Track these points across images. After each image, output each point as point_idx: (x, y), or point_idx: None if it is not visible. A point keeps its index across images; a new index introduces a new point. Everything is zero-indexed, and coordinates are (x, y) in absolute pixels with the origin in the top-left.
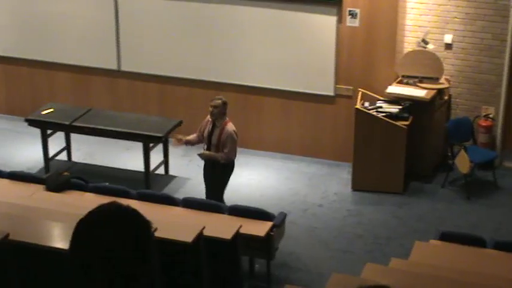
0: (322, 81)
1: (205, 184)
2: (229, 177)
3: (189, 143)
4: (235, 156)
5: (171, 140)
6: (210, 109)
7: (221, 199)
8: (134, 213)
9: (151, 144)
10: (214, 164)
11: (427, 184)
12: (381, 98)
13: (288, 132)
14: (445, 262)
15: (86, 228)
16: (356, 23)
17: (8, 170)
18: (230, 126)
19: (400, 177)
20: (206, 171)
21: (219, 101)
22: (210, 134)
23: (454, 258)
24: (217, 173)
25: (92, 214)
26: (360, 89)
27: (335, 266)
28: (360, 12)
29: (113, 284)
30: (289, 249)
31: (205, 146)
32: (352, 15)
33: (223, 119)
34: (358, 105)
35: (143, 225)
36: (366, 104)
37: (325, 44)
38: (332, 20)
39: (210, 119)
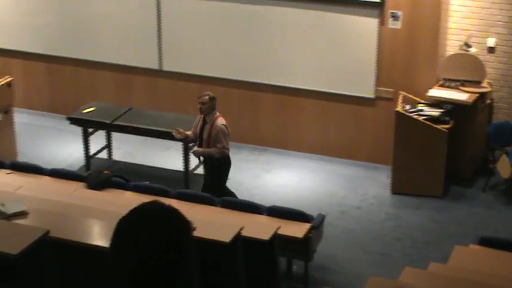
0: (362, 84)
1: (204, 180)
2: (227, 173)
3: (188, 138)
4: (229, 149)
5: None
6: (198, 106)
7: (223, 195)
8: (175, 212)
9: (190, 144)
10: (211, 162)
11: (467, 188)
12: (422, 101)
13: (327, 134)
14: (484, 267)
15: (127, 226)
16: (398, 25)
17: (49, 167)
18: (220, 121)
19: (440, 181)
20: (205, 169)
21: (206, 97)
22: (201, 129)
23: (494, 263)
24: (215, 171)
25: (133, 212)
26: (400, 92)
27: (373, 269)
28: (402, 15)
29: (152, 283)
30: (327, 251)
31: (198, 142)
32: (394, 17)
33: (213, 114)
34: (399, 108)
35: (184, 225)
36: (407, 107)
37: (367, 46)
38: (374, 22)
39: (201, 116)
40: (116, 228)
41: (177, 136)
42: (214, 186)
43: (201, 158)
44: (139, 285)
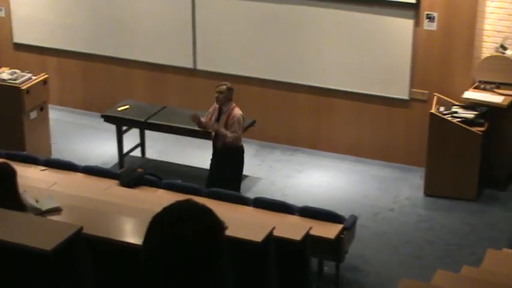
0: (397, 85)
1: (211, 175)
2: (242, 167)
3: (201, 124)
4: (241, 141)
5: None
6: (216, 95)
7: (238, 191)
8: (209, 211)
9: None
10: (224, 155)
11: (501, 192)
12: (457, 103)
13: (360, 135)
14: None
15: (162, 223)
16: (433, 26)
17: (83, 164)
18: (237, 111)
19: (473, 184)
20: (215, 162)
21: (224, 87)
22: (217, 119)
23: None
24: (229, 164)
25: (168, 210)
26: (435, 94)
27: (404, 271)
28: (438, 16)
29: (183, 281)
30: (359, 252)
31: (213, 133)
32: (430, 18)
33: (230, 104)
34: (433, 110)
35: (217, 224)
36: (441, 108)
37: (401, 47)
38: (409, 23)
39: (216, 106)
40: (150, 225)
41: (193, 121)
42: (231, 183)
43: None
44: (171, 283)
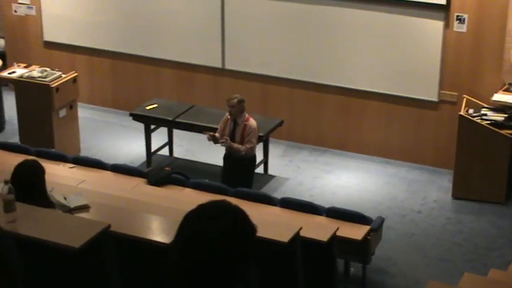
0: (426, 87)
1: (223, 181)
2: (254, 172)
3: (215, 139)
4: (255, 151)
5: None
6: (229, 109)
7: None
8: (243, 213)
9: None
10: (236, 161)
11: None
12: (486, 106)
13: (388, 136)
14: None
15: (196, 220)
16: (463, 28)
17: (111, 162)
18: (252, 122)
19: (502, 187)
20: (227, 169)
21: (235, 101)
22: (233, 131)
23: None
24: (241, 170)
25: (202, 207)
26: (464, 96)
27: (432, 274)
28: (468, 18)
29: (211, 279)
30: (386, 254)
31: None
32: (460, 20)
33: (243, 115)
34: (462, 112)
35: (249, 226)
36: (470, 111)
37: (431, 49)
38: (439, 24)
39: (228, 118)
40: (183, 221)
41: (209, 140)
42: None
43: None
44: (199, 281)
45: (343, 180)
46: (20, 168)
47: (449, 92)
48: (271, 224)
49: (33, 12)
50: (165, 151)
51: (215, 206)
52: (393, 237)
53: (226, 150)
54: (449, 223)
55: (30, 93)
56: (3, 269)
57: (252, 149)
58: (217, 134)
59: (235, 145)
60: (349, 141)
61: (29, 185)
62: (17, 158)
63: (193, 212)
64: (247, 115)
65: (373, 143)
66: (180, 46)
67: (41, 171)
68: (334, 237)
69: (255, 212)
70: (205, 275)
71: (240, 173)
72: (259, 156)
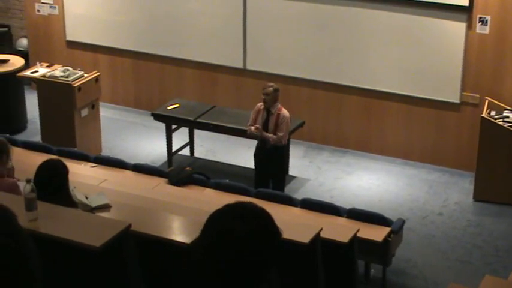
0: (448, 88)
1: (258, 173)
2: (286, 159)
3: (253, 133)
4: (286, 140)
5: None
6: (263, 97)
7: (283, 184)
8: (268, 215)
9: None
10: (268, 152)
11: None
12: (508, 108)
13: (410, 138)
14: None
15: (219, 219)
16: (486, 30)
17: (132, 162)
18: (286, 112)
19: None
20: (261, 160)
21: (271, 89)
22: (266, 121)
23: None
24: (277, 161)
25: (228, 206)
26: (486, 98)
27: (452, 276)
28: (491, 19)
29: (235, 281)
30: (406, 256)
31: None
32: (483, 22)
33: (277, 105)
34: (484, 114)
35: (274, 228)
36: (492, 113)
37: (453, 51)
38: (461, 26)
39: (261, 108)
40: (208, 220)
41: (256, 133)
42: (280, 179)
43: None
44: (222, 281)
45: (364, 182)
46: (42, 167)
47: (472, 94)
48: (292, 224)
49: (56, 11)
50: (186, 151)
51: (242, 207)
52: (414, 239)
53: (257, 145)
54: (470, 225)
55: (52, 93)
56: (23, 269)
57: (283, 138)
58: (253, 128)
59: (267, 134)
60: (370, 142)
61: (52, 184)
62: (39, 157)
63: (220, 211)
64: (280, 105)
65: (394, 144)
66: (202, 46)
67: (64, 170)
68: (355, 239)
69: (275, 212)
70: (229, 275)
71: (274, 164)
72: None
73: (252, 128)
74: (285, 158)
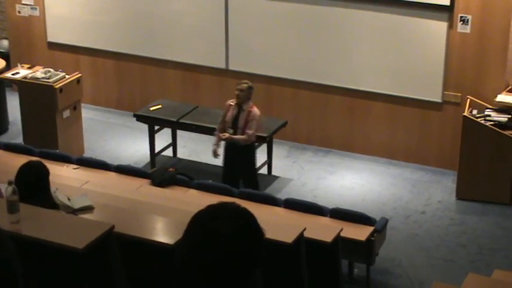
0: (430, 88)
1: (226, 170)
2: (256, 157)
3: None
4: (255, 138)
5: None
6: (236, 92)
7: (256, 182)
8: (251, 216)
9: (255, 144)
10: (238, 150)
11: None
12: (490, 107)
13: (393, 137)
14: None
15: (203, 219)
16: (467, 29)
17: (115, 163)
18: (257, 110)
19: (507, 188)
20: (230, 158)
21: (245, 85)
22: (236, 117)
23: None
24: (244, 158)
25: (211, 207)
26: (468, 97)
27: (436, 275)
28: (472, 19)
29: (220, 281)
30: (390, 255)
31: (231, 131)
32: (464, 21)
33: (249, 103)
34: (466, 113)
35: (258, 229)
36: (474, 111)
37: (435, 50)
38: (443, 25)
39: (232, 104)
40: (192, 221)
41: (226, 141)
42: (249, 176)
43: (217, 150)
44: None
45: (347, 181)
46: (24, 169)
47: (453, 93)
48: (276, 224)
49: (37, 13)
50: (169, 152)
51: (225, 207)
52: (397, 238)
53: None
54: (453, 224)
55: (34, 94)
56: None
57: (253, 136)
58: (221, 135)
59: (236, 137)
60: (354, 142)
61: (33, 186)
62: (21, 159)
63: (203, 212)
64: (252, 103)
65: (377, 143)
66: (184, 47)
67: (45, 172)
68: (338, 238)
69: (259, 212)
70: (213, 276)
71: (242, 162)
72: (264, 157)
73: (221, 136)
74: (255, 157)
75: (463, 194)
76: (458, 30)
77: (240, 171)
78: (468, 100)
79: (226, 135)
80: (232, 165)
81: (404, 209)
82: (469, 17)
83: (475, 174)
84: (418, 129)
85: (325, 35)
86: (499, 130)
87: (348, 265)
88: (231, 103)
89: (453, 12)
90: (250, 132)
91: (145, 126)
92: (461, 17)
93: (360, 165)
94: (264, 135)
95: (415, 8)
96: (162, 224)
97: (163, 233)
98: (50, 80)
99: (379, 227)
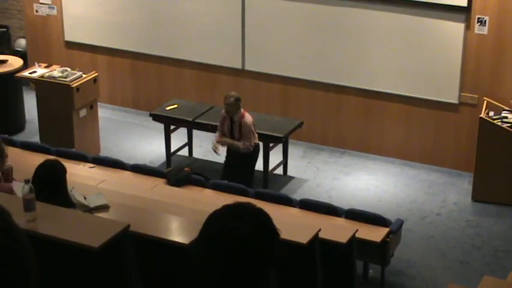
0: (446, 89)
1: (226, 172)
2: (256, 162)
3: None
4: (255, 141)
5: (213, 145)
6: (225, 107)
7: (251, 185)
8: (267, 216)
9: (271, 144)
10: (243, 154)
11: None
12: (507, 108)
13: (409, 138)
14: None
15: (220, 218)
16: (485, 30)
17: (131, 162)
18: (247, 118)
19: None
20: (231, 161)
21: (232, 99)
22: (231, 129)
23: None
24: (246, 161)
25: (227, 206)
26: (485, 98)
27: (451, 277)
28: (489, 20)
29: (235, 281)
30: (405, 256)
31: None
32: (481, 22)
33: (239, 113)
34: (483, 115)
35: (274, 229)
36: (491, 113)
37: (452, 51)
38: (460, 26)
39: (225, 115)
40: (208, 219)
41: (223, 145)
42: (245, 179)
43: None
44: (222, 281)
45: (362, 182)
46: (41, 167)
47: (470, 95)
48: (291, 225)
49: (54, 12)
50: (184, 151)
51: (241, 207)
52: (412, 239)
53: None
54: (468, 226)
55: (51, 93)
56: (19, 268)
57: (250, 146)
58: (219, 140)
59: (233, 143)
60: (369, 143)
61: (50, 185)
62: (38, 158)
63: (219, 211)
64: (242, 111)
65: (393, 144)
66: (201, 47)
67: (62, 171)
68: (354, 239)
69: (274, 213)
70: (228, 276)
71: (240, 168)
72: (279, 157)
73: (218, 144)
74: (254, 165)
75: (479, 195)
76: (476, 31)
77: (239, 178)
78: (485, 102)
79: (227, 140)
80: (232, 171)
81: (420, 211)
82: (487, 18)
83: (491, 176)
84: (434, 130)
85: (342, 35)
86: None
87: (362, 266)
88: (225, 114)
89: (470, 13)
90: (247, 143)
91: (161, 126)
92: (478, 18)
93: (376, 166)
94: (280, 135)
95: (432, 9)
96: (177, 224)
97: (178, 232)
98: (67, 79)
99: (395, 228)
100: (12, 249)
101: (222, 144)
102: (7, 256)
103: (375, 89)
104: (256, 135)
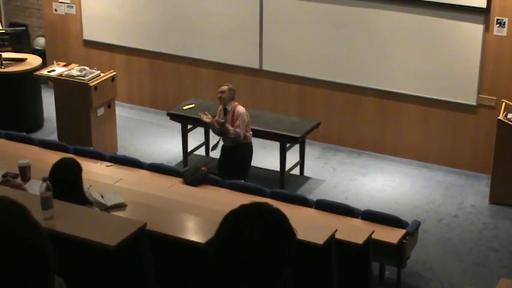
0: (464, 90)
1: (222, 171)
2: (250, 161)
3: (212, 122)
4: (246, 135)
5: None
6: (218, 95)
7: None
8: (284, 216)
9: (288, 145)
10: (235, 149)
11: None
12: None
13: (426, 140)
14: None
15: (237, 218)
16: (504, 32)
17: (148, 161)
18: (241, 108)
19: None
20: (225, 158)
21: (225, 87)
22: (225, 120)
23: None
24: (237, 159)
25: (244, 206)
26: (503, 100)
27: (467, 279)
28: (508, 21)
29: (252, 281)
30: (421, 258)
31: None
32: (500, 24)
33: (233, 103)
34: (501, 117)
35: (291, 230)
36: (509, 115)
37: (470, 53)
38: (479, 28)
39: (220, 109)
40: (225, 219)
41: (204, 118)
42: (238, 178)
43: (215, 147)
44: (238, 280)
45: (379, 183)
46: (57, 165)
47: (488, 96)
48: (307, 225)
49: (73, 11)
50: (201, 151)
51: (258, 207)
52: (429, 241)
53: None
54: (486, 228)
55: (69, 92)
56: (39, 259)
57: (241, 135)
58: (213, 120)
59: (225, 125)
60: (386, 144)
61: (67, 183)
62: (55, 156)
63: (236, 211)
64: (236, 103)
65: (410, 146)
66: (219, 47)
67: (79, 169)
68: (370, 240)
69: (290, 213)
70: (244, 275)
71: (235, 162)
72: (296, 158)
73: (204, 116)
74: (247, 160)
75: (496, 198)
76: (495, 33)
77: (233, 175)
78: (503, 103)
79: (220, 121)
80: (226, 167)
81: (437, 212)
82: (506, 19)
83: (508, 178)
84: (452, 132)
85: (359, 36)
86: None
87: (379, 268)
88: (220, 108)
89: (489, 14)
90: (238, 130)
91: (178, 125)
92: (497, 19)
93: (392, 168)
94: (297, 135)
95: (450, 10)
96: (193, 223)
97: (194, 231)
98: (85, 78)
99: (411, 229)
100: (37, 244)
101: (213, 126)
102: (28, 246)
103: (393, 90)
104: (251, 132)
